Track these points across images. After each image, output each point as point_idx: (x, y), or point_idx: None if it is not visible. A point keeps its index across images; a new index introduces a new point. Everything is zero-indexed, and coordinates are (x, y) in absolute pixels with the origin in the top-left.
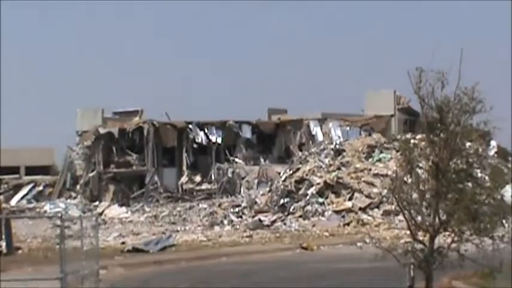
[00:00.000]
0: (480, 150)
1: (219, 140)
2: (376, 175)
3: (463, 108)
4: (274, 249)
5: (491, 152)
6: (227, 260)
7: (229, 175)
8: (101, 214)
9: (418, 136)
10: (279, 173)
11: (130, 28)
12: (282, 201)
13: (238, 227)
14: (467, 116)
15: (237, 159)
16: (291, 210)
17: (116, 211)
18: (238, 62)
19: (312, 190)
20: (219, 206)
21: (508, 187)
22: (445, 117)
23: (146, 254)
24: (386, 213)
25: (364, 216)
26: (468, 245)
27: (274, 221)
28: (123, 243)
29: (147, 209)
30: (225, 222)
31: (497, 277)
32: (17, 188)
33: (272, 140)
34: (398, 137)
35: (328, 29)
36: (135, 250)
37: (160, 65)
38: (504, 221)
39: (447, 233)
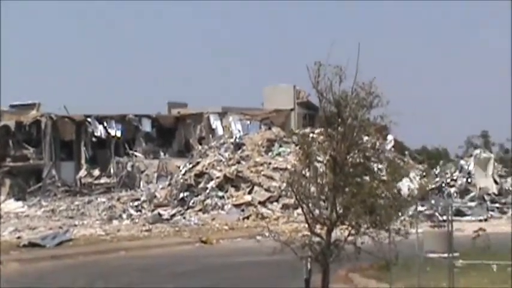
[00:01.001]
0: (377, 144)
1: (119, 134)
2: (275, 169)
3: (360, 102)
4: (174, 243)
5: (389, 146)
6: (125, 254)
7: (129, 169)
8: None
9: (317, 130)
10: (179, 167)
11: (23, 20)
12: (181, 195)
13: (137, 221)
14: (364, 111)
15: (136, 153)
16: (190, 204)
17: (12, 205)
18: (138, 55)
19: (212, 184)
20: (118, 200)
21: (404, 180)
22: (342, 111)
23: (43, 249)
24: (286, 206)
25: (263, 210)
26: (365, 238)
27: (173, 215)
28: (18, 237)
29: (44, 204)
30: (124, 216)
31: (393, 269)
32: None
33: (172, 133)
34: (297, 131)
35: (227, 23)
36: (32, 245)
37: (58, 58)
38: (400, 214)
39: (344, 226)
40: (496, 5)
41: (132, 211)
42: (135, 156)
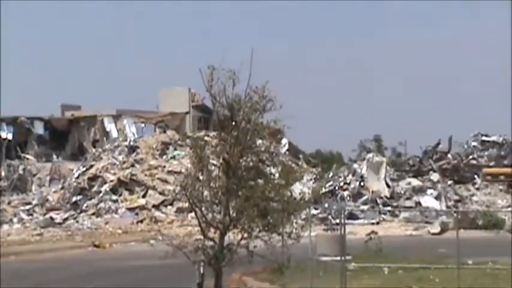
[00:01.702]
0: (271, 147)
1: (10, 136)
2: (170, 172)
3: (253, 106)
4: (66, 248)
5: (283, 150)
6: (16, 258)
7: (20, 172)
8: None
9: (212, 133)
10: (72, 170)
11: None
12: (74, 198)
13: (28, 225)
14: (257, 114)
15: (28, 156)
16: (83, 207)
17: None
18: (29, 56)
19: (106, 187)
20: (9, 203)
21: (297, 184)
22: (236, 115)
23: None
24: (180, 210)
25: (157, 214)
26: (257, 242)
27: (66, 219)
28: None
29: None
30: (15, 220)
31: (286, 272)
32: None
33: (65, 136)
34: (191, 134)
35: (121, 25)
36: None
37: None
38: (292, 217)
39: (237, 230)
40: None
41: (23, 215)
42: (27, 159)
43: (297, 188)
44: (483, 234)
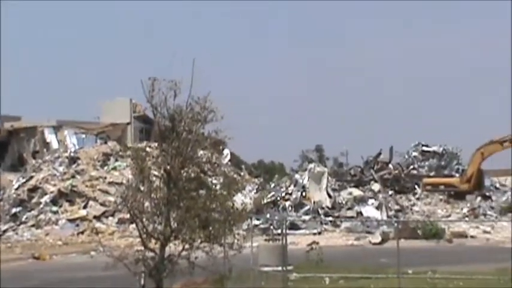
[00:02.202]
0: (213, 158)
1: None
2: (111, 183)
3: (195, 117)
4: (5, 260)
5: (225, 160)
6: None
7: None
8: None
9: (153, 144)
10: (12, 181)
11: None
12: (14, 210)
13: None
14: (199, 125)
15: None
16: (23, 219)
17: None
18: None
19: (46, 198)
20: None
21: (239, 194)
22: (177, 125)
23: None
24: (121, 221)
25: (98, 225)
26: (199, 253)
27: (5, 231)
28: None
29: None
30: None
31: (227, 283)
32: None
33: (5, 147)
34: (132, 145)
35: (61, 35)
36: None
37: None
38: (234, 228)
39: (178, 240)
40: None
41: None
42: None
43: (239, 199)
44: (423, 243)
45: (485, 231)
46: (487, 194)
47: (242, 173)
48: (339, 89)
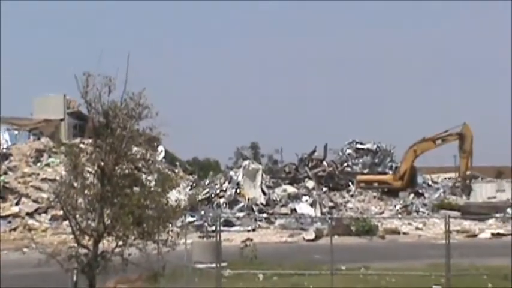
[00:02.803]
0: (148, 155)
1: None
2: (44, 180)
3: (129, 113)
4: None
5: (159, 157)
6: None
7: None
8: None
9: (87, 140)
10: None
11: None
12: None
13: None
14: (133, 121)
15: None
16: None
17: None
18: None
19: None
20: None
21: (173, 191)
22: (111, 121)
23: None
24: (55, 218)
25: (31, 221)
26: (132, 249)
27: None
28: None
29: None
30: None
31: (161, 280)
32: None
33: None
34: (66, 141)
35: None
36: None
37: None
38: (168, 225)
39: (112, 237)
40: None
41: None
42: None
43: (173, 196)
44: (357, 240)
45: (417, 228)
46: (420, 191)
47: (177, 170)
48: (273, 86)
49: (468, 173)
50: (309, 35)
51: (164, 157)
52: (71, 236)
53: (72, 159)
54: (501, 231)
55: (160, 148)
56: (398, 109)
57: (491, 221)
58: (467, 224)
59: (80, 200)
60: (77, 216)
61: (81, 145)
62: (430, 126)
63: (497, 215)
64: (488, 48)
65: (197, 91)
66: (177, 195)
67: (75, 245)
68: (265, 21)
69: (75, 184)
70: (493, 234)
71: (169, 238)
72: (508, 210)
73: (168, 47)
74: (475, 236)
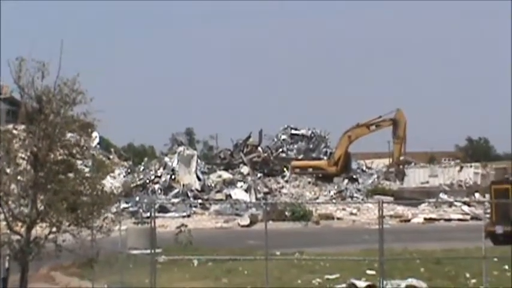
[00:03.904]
0: (82, 141)
1: None
2: None
3: (63, 98)
4: None
5: (94, 143)
6: None
7: None
8: None
9: (20, 126)
10: None
11: None
12: None
13: None
14: (67, 107)
15: None
16: None
17: None
18: None
19: None
20: None
21: (108, 177)
22: (44, 107)
23: None
24: None
25: None
26: (66, 236)
27: None
28: None
29: None
30: None
31: (95, 266)
32: None
33: None
34: None
35: None
36: None
37: None
38: (102, 211)
39: (45, 223)
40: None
41: None
42: None
43: (108, 182)
44: (292, 225)
45: (351, 213)
46: (354, 176)
47: (111, 157)
48: (207, 71)
49: (401, 158)
50: (238, 23)
51: (99, 143)
52: (4, 223)
53: (4, 145)
54: (433, 216)
55: (95, 134)
56: (332, 95)
57: (423, 206)
58: (400, 209)
59: (12, 186)
60: (10, 202)
61: (14, 131)
62: (365, 112)
63: (430, 200)
64: (421, 34)
65: (133, 77)
66: (111, 182)
67: (8, 231)
68: (194, 11)
69: (8, 170)
70: (425, 219)
71: (104, 224)
72: (441, 195)
73: (103, 33)
74: (408, 220)
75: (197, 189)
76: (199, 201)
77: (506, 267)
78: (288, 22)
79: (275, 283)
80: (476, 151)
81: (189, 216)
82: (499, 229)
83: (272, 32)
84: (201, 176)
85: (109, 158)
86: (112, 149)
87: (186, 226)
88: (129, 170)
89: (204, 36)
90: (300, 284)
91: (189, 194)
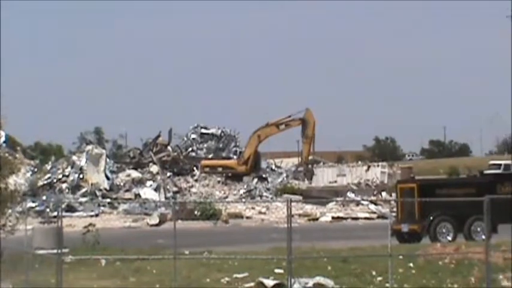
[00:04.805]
0: None
1: None
2: None
3: None
4: None
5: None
6: None
7: None
8: None
9: None
10: None
11: None
12: None
13: None
14: None
15: None
16: None
17: None
18: None
19: None
20: None
21: (13, 176)
22: None
23: None
24: None
25: None
26: None
27: None
28: None
29: None
30: None
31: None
32: None
33: None
34: None
35: None
36: None
37: None
38: (7, 210)
39: None
40: None
41: None
42: None
43: (13, 181)
44: (201, 224)
45: (260, 212)
46: (263, 175)
47: (17, 155)
48: (116, 69)
49: (310, 157)
50: (145, 21)
51: (5, 142)
52: None
53: None
54: (341, 214)
55: (1, 133)
56: (242, 94)
57: (331, 204)
58: (309, 207)
59: None
60: None
61: None
62: (274, 111)
63: (338, 198)
64: (328, 33)
65: (41, 75)
66: (17, 180)
67: None
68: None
69: None
70: (333, 217)
71: (8, 223)
72: (348, 194)
73: (9, 27)
74: (316, 219)
75: (106, 189)
76: (108, 200)
77: (411, 264)
78: (197, 20)
79: (183, 282)
80: (383, 150)
81: (97, 215)
82: (405, 227)
83: (182, 30)
84: (109, 175)
85: (15, 157)
86: (18, 148)
87: (94, 225)
88: (35, 169)
89: (111, 34)
90: (208, 282)
91: (98, 193)
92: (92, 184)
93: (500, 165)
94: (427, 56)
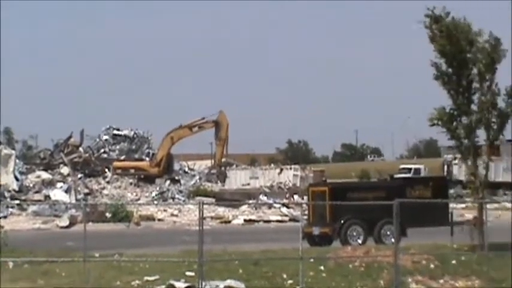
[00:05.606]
0: None
1: None
2: None
3: None
4: None
5: None
6: None
7: None
8: None
9: None
10: None
11: None
12: None
13: None
14: None
15: None
16: None
17: None
18: None
19: None
20: None
21: None
22: None
23: None
24: None
25: None
26: None
27: None
28: None
29: None
30: None
31: None
32: None
33: None
34: None
35: None
36: None
37: None
38: None
39: None
40: None
41: None
42: None
43: None
44: (112, 226)
45: (172, 214)
46: (176, 177)
47: None
48: (27, 67)
49: (223, 160)
50: (69, 21)
51: None
52: None
53: None
54: (253, 217)
55: None
56: (156, 96)
57: (244, 207)
58: (221, 210)
59: None
60: None
61: None
62: (188, 113)
63: (250, 201)
64: (243, 36)
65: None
66: None
67: None
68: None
69: None
70: (245, 220)
71: None
72: (261, 196)
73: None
74: (229, 222)
75: (15, 190)
76: (17, 201)
77: (322, 267)
78: (111, 21)
79: (94, 284)
80: (296, 153)
81: (5, 217)
82: (316, 230)
83: (94, 32)
84: (19, 176)
85: None
86: None
87: (2, 227)
88: None
89: (25, 35)
90: (118, 285)
91: (6, 194)
92: (0, 185)
93: (411, 169)
94: (340, 58)
